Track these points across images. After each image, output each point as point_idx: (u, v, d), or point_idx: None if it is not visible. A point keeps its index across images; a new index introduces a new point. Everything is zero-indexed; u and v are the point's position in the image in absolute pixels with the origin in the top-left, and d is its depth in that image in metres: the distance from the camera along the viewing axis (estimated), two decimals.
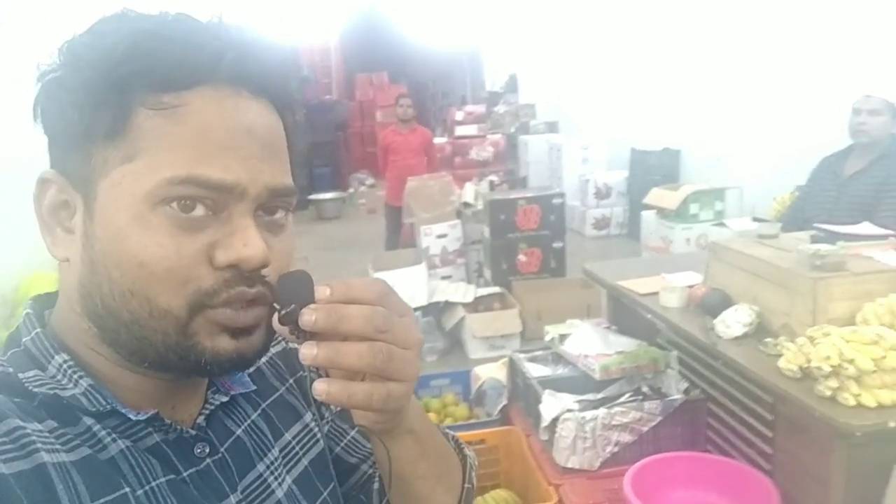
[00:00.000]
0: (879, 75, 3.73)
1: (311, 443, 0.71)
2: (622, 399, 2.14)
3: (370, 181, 11.14)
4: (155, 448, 0.57)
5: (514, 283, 4.76)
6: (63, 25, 0.57)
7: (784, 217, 3.25)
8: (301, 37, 11.73)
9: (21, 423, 0.50)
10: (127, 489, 0.52)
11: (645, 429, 2.05)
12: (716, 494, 1.84)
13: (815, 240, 2.02)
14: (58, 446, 0.51)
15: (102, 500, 0.50)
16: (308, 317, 0.50)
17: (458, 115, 9.42)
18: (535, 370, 2.42)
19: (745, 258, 2.02)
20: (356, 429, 0.79)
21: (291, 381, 0.74)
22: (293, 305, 0.52)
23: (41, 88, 0.54)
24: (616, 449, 2.04)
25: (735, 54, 5.60)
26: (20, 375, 0.54)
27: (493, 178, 5.98)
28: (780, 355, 1.67)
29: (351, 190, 10.93)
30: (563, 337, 2.47)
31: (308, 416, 0.73)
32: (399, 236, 5.77)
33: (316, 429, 0.73)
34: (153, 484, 0.54)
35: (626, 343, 2.36)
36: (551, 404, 2.14)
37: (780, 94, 5.09)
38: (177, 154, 0.51)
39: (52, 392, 0.54)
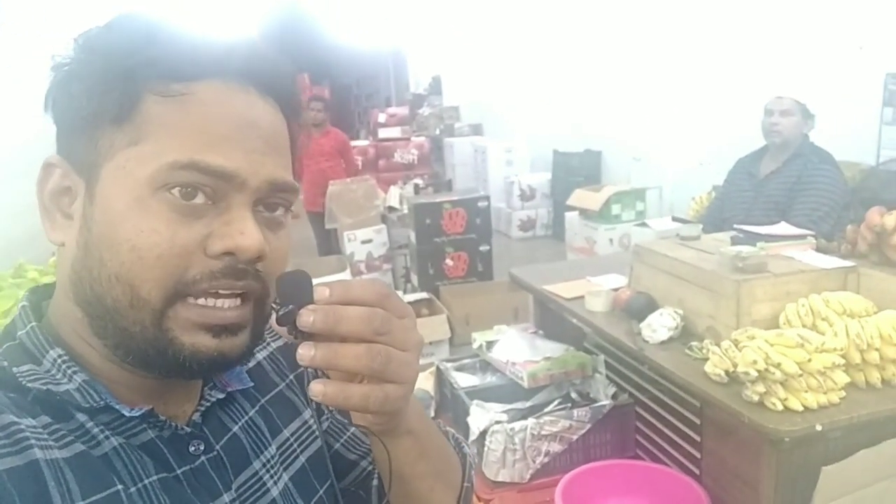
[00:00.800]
0: (790, 77, 3.87)
1: (309, 440, 0.71)
2: (551, 407, 2.09)
3: None
4: (149, 445, 0.56)
5: (441, 288, 4.70)
6: (63, 25, 0.54)
7: (703, 217, 3.31)
8: (218, 35, 11.35)
9: (15, 419, 0.50)
10: (119, 486, 0.52)
11: (575, 437, 2.00)
12: (647, 501, 1.81)
13: (735, 241, 2.03)
14: (51, 442, 0.50)
15: (94, 498, 0.50)
16: (306, 317, 0.50)
17: (381, 118, 9.30)
18: (463, 380, 2.34)
19: (669, 261, 2.01)
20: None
21: (292, 377, 0.74)
22: (291, 305, 0.51)
23: (54, 79, 0.55)
24: (546, 459, 1.99)
25: (652, 58, 5.72)
26: (14, 370, 0.54)
27: (419, 181, 5.91)
28: (706, 359, 1.65)
29: None
30: (490, 344, 2.41)
31: (307, 413, 0.73)
32: (331, 240, 5.59)
33: (315, 426, 0.73)
34: (146, 482, 0.54)
35: (554, 348, 2.32)
36: (479, 416, 2.07)
37: (696, 96, 5.23)
38: (181, 140, 0.52)
39: (45, 387, 0.53)
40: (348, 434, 0.79)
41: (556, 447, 2.00)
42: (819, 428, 1.40)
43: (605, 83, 6.53)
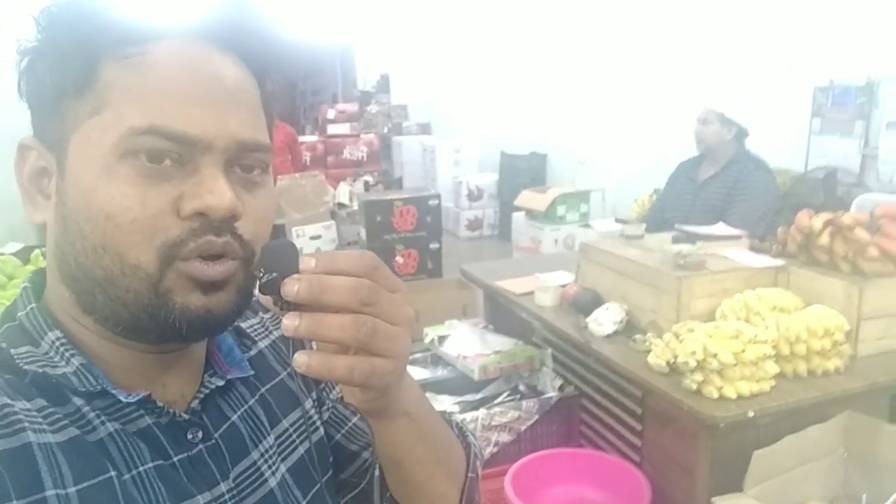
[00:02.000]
0: (727, 90, 4.07)
1: (309, 430, 0.70)
2: (500, 398, 2.16)
3: None
4: (145, 431, 0.55)
5: None
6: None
7: (645, 218, 3.44)
8: None
9: (9, 401, 0.49)
10: (113, 473, 0.51)
11: (523, 428, 2.08)
12: (591, 488, 1.90)
13: (676, 240, 2.14)
14: (45, 426, 0.50)
15: (86, 484, 0.49)
16: (291, 286, 0.48)
17: (330, 114, 9.22)
18: (415, 373, 2.39)
19: (614, 258, 2.10)
20: (358, 416, 0.75)
21: (294, 365, 0.70)
22: (275, 274, 0.50)
23: (21, 62, 0.54)
24: (496, 449, 2.05)
25: (597, 67, 5.88)
26: (12, 351, 0.54)
27: (369, 178, 5.90)
28: (648, 351, 1.75)
29: None
30: (441, 338, 2.47)
31: (308, 403, 0.71)
32: (279, 236, 5.52)
33: (315, 416, 0.71)
34: (141, 469, 0.53)
35: (503, 342, 2.39)
36: None
37: (639, 104, 5.41)
38: (140, 105, 0.51)
39: (41, 370, 0.53)
40: (350, 425, 0.76)
41: (505, 437, 2.06)
42: (751, 414, 1.50)
43: (551, 89, 6.68)
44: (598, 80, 5.91)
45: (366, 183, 5.40)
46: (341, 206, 5.17)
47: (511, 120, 7.50)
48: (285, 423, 0.67)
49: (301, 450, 0.68)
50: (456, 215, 7.55)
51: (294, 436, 0.68)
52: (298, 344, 0.52)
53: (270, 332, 0.73)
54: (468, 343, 2.39)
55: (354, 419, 0.76)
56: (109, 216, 0.51)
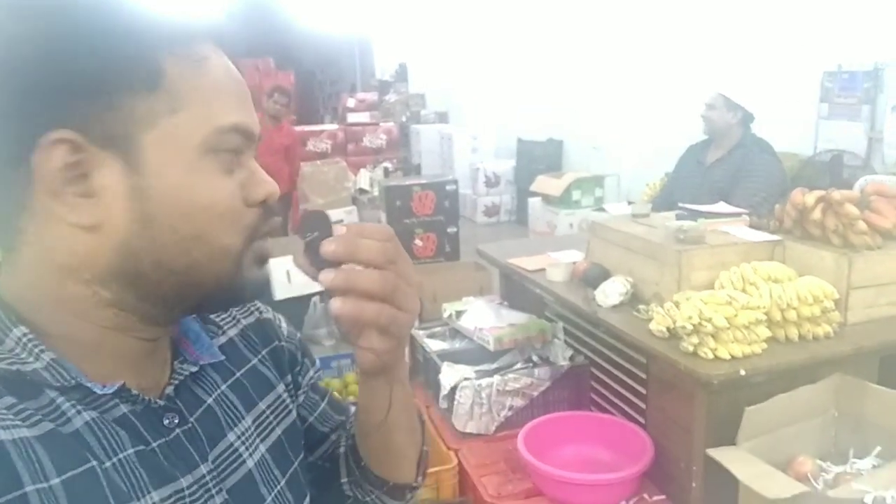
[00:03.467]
0: (738, 74, 4.15)
1: (283, 413, 0.74)
2: (515, 367, 2.30)
3: None
4: (123, 419, 0.56)
5: None
6: None
7: (655, 200, 3.55)
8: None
9: None
10: (94, 462, 0.52)
11: (535, 393, 2.22)
12: (599, 447, 2.04)
13: (679, 217, 2.27)
14: (17, 422, 0.49)
15: (70, 474, 0.50)
16: (328, 246, 0.58)
17: (351, 103, 9.39)
18: (434, 345, 2.53)
19: (621, 235, 2.23)
20: (326, 400, 0.85)
21: (264, 352, 0.76)
22: (316, 233, 0.60)
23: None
24: (510, 413, 2.19)
25: (612, 55, 5.97)
26: None
27: (388, 165, 6.05)
28: (651, 319, 1.88)
29: None
30: (459, 313, 2.60)
31: (281, 388, 0.76)
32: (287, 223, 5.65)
33: (288, 400, 0.76)
34: (121, 456, 0.54)
35: (517, 316, 2.52)
36: (450, 374, 2.27)
37: (651, 89, 5.50)
38: (218, 104, 0.56)
39: (13, 367, 0.52)
40: (321, 408, 0.83)
41: (518, 402, 2.21)
42: (743, 373, 1.63)
43: (566, 76, 6.77)
44: (612, 67, 6.00)
45: (385, 169, 5.55)
46: (362, 191, 5.32)
47: (527, 107, 7.60)
48: (262, 406, 0.71)
49: (278, 431, 0.72)
50: (473, 202, 7.69)
51: (271, 417, 0.72)
52: (326, 298, 0.63)
53: (239, 321, 0.76)
54: (484, 317, 2.52)
55: (324, 403, 0.85)
56: (206, 207, 0.56)
